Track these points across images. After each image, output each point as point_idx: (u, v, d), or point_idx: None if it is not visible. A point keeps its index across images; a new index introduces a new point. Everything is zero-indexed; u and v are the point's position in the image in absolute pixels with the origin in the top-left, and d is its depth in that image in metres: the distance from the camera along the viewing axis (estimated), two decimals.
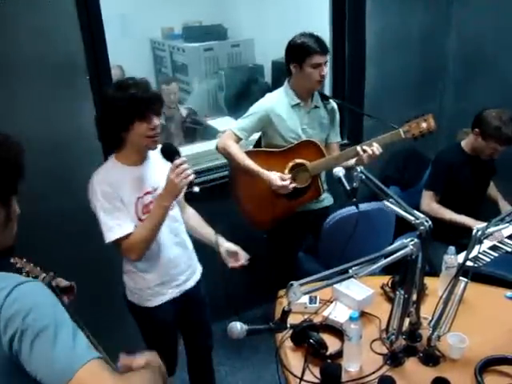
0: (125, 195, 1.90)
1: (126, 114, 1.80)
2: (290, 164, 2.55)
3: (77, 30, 2.25)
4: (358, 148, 2.43)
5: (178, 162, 1.82)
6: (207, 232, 2.18)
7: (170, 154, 1.88)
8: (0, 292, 1.03)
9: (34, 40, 2.18)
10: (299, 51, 2.44)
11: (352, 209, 2.42)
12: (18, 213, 1.21)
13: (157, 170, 1.99)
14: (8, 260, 1.45)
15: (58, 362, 0.99)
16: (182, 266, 2.12)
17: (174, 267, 2.08)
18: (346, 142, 3.25)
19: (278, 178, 2.46)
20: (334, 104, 2.69)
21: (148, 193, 1.96)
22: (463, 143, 2.84)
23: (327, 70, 2.51)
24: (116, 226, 1.87)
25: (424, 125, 2.41)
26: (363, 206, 2.49)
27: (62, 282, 1.61)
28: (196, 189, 1.84)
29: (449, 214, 2.77)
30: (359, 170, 1.84)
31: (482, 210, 2.88)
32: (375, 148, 2.42)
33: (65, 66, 2.28)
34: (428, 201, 2.82)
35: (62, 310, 1.07)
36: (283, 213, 2.64)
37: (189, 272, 2.15)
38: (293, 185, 2.49)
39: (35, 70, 2.23)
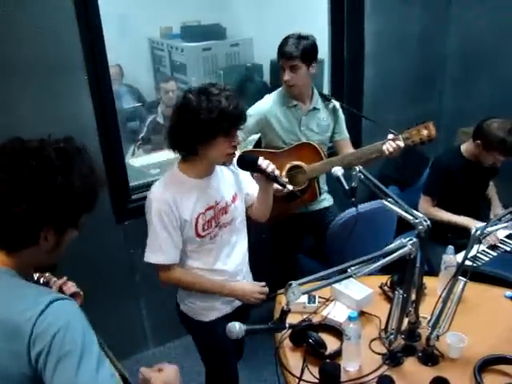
0: (186, 212, 1.79)
1: (210, 127, 1.66)
2: (288, 166, 2.54)
3: (75, 30, 2.24)
4: (384, 147, 2.36)
5: (262, 164, 1.81)
6: (257, 197, 2.02)
7: (248, 164, 1.86)
8: (36, 306, 1.03)
9: (31, 39, 2.17)
10: (278, 49, 2.46)
11: (354, 210, 2.42)
12: (71, 239, 1.18)
13: (223, 182, 1.90)
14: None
15: None
16: (241, 279, 2.03)
17: (234, 279, 2.00)
18: None
19: None
20: (335, 103, 2.66)
21: (210, 208, 1.85)
22: (463, 148, 2.79)
23: (297, 77, 2.42)
24: (159, 251, 1.80)
25: (425, 132, 2.37)
26: (365, 206, 2.49)
27: (72, 288, 1.56)
28: (289, 187, 1.89)
29: (446, 216, 2.76)
30: (358, 169, 1.84)
31: (481, 212, 2.87)
32: (401, 143, 2.34)
33: (63, 65, 2.27)
34: (425, 205, 2.81)
35: (92, 334, 1.07)
36: (279, 214, 2.62)
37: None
38: (290, 187, 2.48)
39: (33, 69, 2.22)
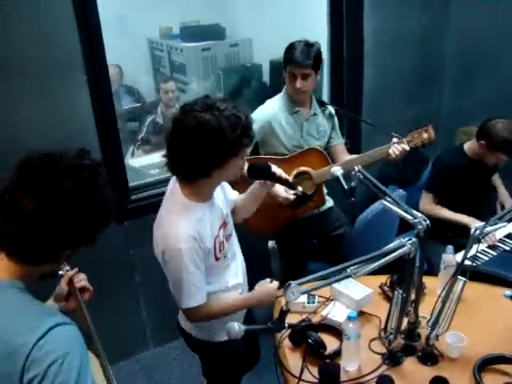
0: (207, 241, 1.67)
1: (235, 145, 1.54)
2: (295, 172, 2.53)
3: (74, 30, 2.24)
4: (391, 151, 2.42)
5: (276, 171, 1.81)
6: (248, 192, 1.96)
7: (261, 172, 1.84)
8: (36, 330, 1.02)
9: (30, 39, 2.17)
10: (284, 54, 2.44)
11: (377, 206, 2.50)
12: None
13: (218, 197, 1.81)
14: None
15: None
16: (245, 286, 1.98)
17: (243, 289, 1.95)
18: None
19: (282, 189, 2.45)
20: (331, 108, 2.68)
21: (220, 227, 1.76)
22: (466, 147, 2.80)
23: (308, 85, 2.42)
24: (197, 292, 1.67)
25: (425, 135, 2.44)
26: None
27: (82, 282, 1.54)
28: (300, 189, 1.94)
29: (447, 213, 2.78)
30: (357, 169, 1.84)
31: (481, 211, 2.87)
32: (406, 146, 2.41)
33: (62, 65, 2.27)
34: (427, 202, 2.83)
35: (87, 363, 1.06)
36: (285, 222, 2.61)
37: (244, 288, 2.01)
38: (300, 190, 2.47)
39: (32, 70, 2.22)
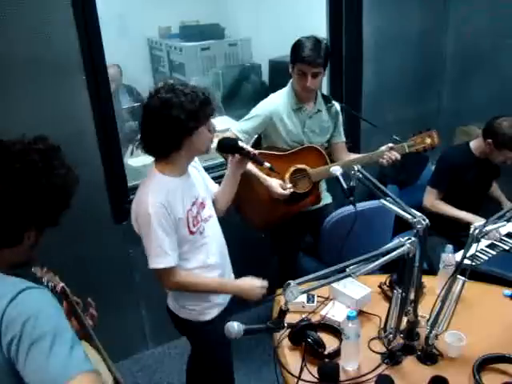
0: (179, 211, 1.83)
1: (196, 116, 1.74)
2: (292, 169, 2.54)
3: (73, 29, 2.24)
4: (383, 160, 2.46)
5: (243, 145, 1.97)
6: (225, 176, 2.12)
7: (230, 147, 2.00)
8: (6, 295, 1.04)
9: (29, 40, 2.17)
10: (293, 51, 2.41)
11: (351, 208, 2.42)
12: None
13: (195, 180, 1.97)
14: (28, 269, 1.43)
15: (50, 371, 1.00)
16: (226, 269, 2.10)
17: (222, 269, 2.05)
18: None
19: (278, 185, 2.46)
20: (337, 106, 2.67)
21: (194, 203, 1.91)
22: (472, 144, 2.82)
23: (317, 83, 2.43)
24: (165, 255, 1.81)
25: (428, 140, 2.45)
26: (360, 205, 2.50)
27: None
28: (267, 164, 2.03)
29: (450, 210, 2.80)
30: (356, 168, 1.84)
31: (482, 211, 2.88)
32: (398, 155, 2.46)
33: (61, 65, 2.27)
34: (431, 197, 2.85)
35: (64, 320, 1.08)
36: (280, 217, 2.64)
37: (229, 274, 2.14)
38: (291, 190, 2.49)
39: (31, 70, 2.22)
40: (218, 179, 2.90)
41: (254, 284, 1.97)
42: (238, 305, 2.14)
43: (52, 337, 1.02)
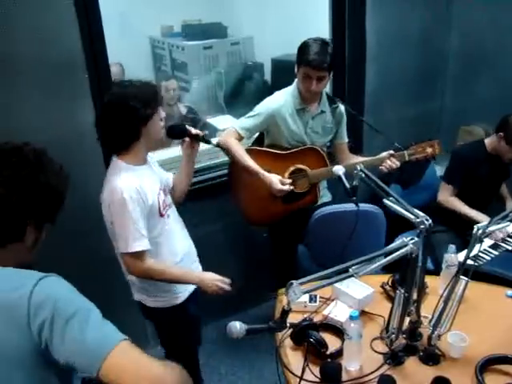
0: (149, 197, 1.90)
1: (150, 104, 1.84)
2: (291, 168, 2.55)
3: (75, 28, 2.23)
4: (384, 168, 2.47)
5: (191, 129, 2.08)
6: (180, 170, 2.21)
7: (179, 131, 2.10)
8: (27, 283, 1.06)
9: (32, 39, 2.16)
10: (299, 53, 2.40)
11: (335, 207, 2.54)
12: (43, 238, 1.24)
13: (155, 168, 2.07)
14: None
15: (91, 344, 1.04)
16: (193, 256, 2.18)
17: (189, 256, 2.14)
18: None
19: (278, 181, 2.46)
20: (341, 107, 2.65)
21: (160, 189, 1.99)
22: (486, 141, 2.84)
23: (322, 86, 2.42)
24: (142, 238, 1.86)
25: (429, 150, 2.45)
26: (352, 207, 2.49)
27: None
28: (214, 142, 2.19)
29: (463, 208, 2.81)
30: (359, 168, 1.83)
31: (490, 210, 2.88)
32: (398, 162, 2.47)
33: (63, 64, 2.26)
34: (445, 193, 2.87)
35: (86, 299, 1.13)
36: (278, 214, 2.64)
37: (196, 262, 2.21)
38: (291, 187, 2.49)
39: (34, 69, 2.21)
40: (218, 179, 2.92)
41: (214, 278, 2.01)
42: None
43: (84, 311, 1.07)
